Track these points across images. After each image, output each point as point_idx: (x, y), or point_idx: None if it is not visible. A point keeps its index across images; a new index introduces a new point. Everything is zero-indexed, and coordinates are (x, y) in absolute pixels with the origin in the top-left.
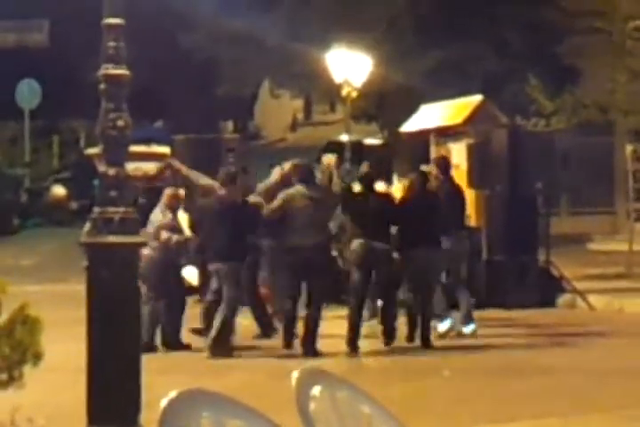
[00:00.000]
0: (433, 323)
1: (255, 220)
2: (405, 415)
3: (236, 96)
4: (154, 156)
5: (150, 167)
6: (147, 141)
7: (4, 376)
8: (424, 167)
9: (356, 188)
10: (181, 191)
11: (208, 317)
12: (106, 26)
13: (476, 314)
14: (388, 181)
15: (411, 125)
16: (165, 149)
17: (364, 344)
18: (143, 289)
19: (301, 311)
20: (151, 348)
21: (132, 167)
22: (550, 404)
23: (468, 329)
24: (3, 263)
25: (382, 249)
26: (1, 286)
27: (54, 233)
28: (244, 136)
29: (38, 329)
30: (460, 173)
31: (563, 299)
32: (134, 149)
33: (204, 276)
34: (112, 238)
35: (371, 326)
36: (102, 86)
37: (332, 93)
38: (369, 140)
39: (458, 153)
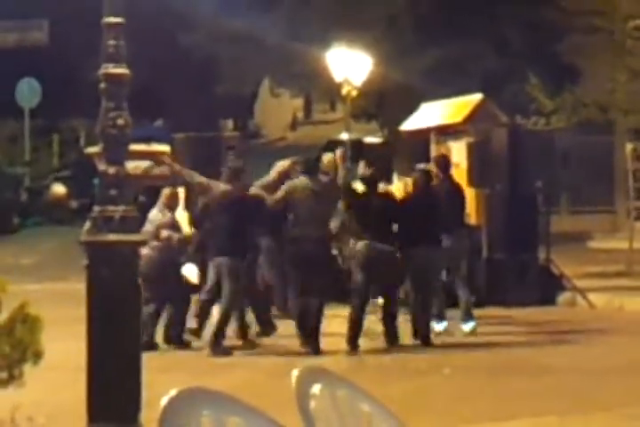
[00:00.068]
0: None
1: (259, 215)
2: (405, 413)
3: (236, 95)
4: (154, 154)
5: (144, 164)
6: (147, 140)
7: (5, 375)
8: (421, 166)
9: (359, 188)
10: (180, 190)
11: (202, 316)
12: (106, 25)
13: (477, 312)
14: (388, 180)
15: (411, 124)
16: (165, 148)
17: (363, 342)
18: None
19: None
20: (151, 346)
21: (132, 166)
22: (550, 402)
23: (467, 327)
24: (3, 262)
25: (387, 251)
26: (1, 284)
27: (54, 232)
28: (244, 135)
29: (38, 328)
30: (460, 172)
31: (563, 297)
32: (134, 147)
33: (204, 275)
34: (112, 237)
35: (369, 326)
36: (102, 85)
37: (331, 92)
38: (369, 139)
39: (458, 152)
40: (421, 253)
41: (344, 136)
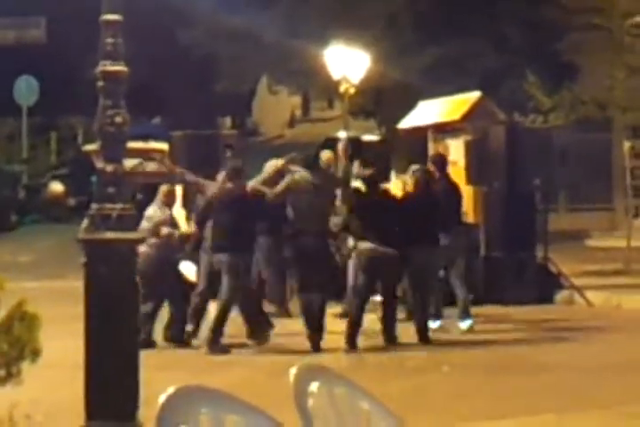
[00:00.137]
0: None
1: (259, 213)
2: (403, 411)
3: (234, 92)
4: (152, 152)
5: (133, 161)
6: (145, 138)
7: (2, 373)
8: (416, 167)
9: (360, 187)
10: (178, 188)
11: (196, 317)
12: (104, 22)
13: (474, 310)
14: (386, 178)
15: (409, 122)
16: (163, 146)
17: (361, 341)
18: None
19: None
20: (149, 344)
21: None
22: (548, 400)
23: (464, 325)
24: (0, 260)
25: (389, 254)
26: None
27: (52, 229)
28: (242, 132)
29: (36, 325)
30: (457, 170)
31: (561, 295)
32: (132, 145)
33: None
34: (110, 235)
35: (367, 325)
36: (100, 83)
37: (329, 90)
38: (367, 137)
39: (456, 149)
40: (420, 253)
41: (342, 134)
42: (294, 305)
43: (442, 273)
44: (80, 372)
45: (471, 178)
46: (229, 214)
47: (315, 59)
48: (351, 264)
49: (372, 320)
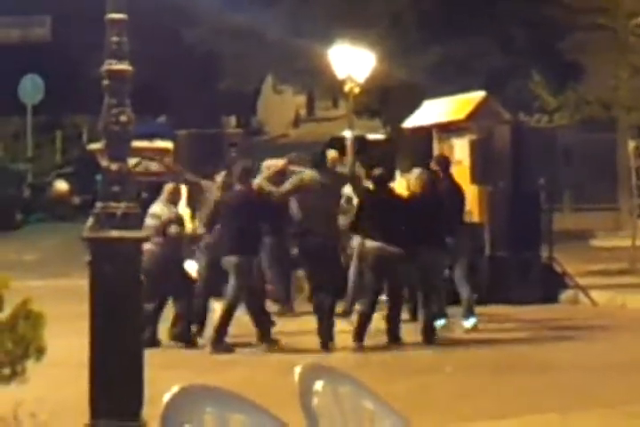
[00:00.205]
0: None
1: (268, 214)
2: (408, 411)
3: (239, 91)
4: (157, 151)
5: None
6: (150, 137)
7: (7, 371)
8: (417, 170)
9: (370, 186)
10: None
11: (199, 316)
12: (109, 21)
13: (479, 310)
14: (391, 177)
15: (413, 121)
16: (168, 144)
17: (366, 340)
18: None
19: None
20: (154, 343)
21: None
22: (552, 399)
23: (468, 323)
24: (5, 258)
25: (396, 253)
26: (4, 281)
27: (57, 228)
28: (246, 131)
29: (41, 324)
30: (462, 169)
31: (565, 295)
32: (137, 144)
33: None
34: (115, 233)
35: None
36: (105, 82)
37: (334, 89)
38: (372, 136)
39: (460, 149)
40: (426, 252)
41: (347, 133)
42: (299, 304)
43: (446, 272)
44: (85, 370)
45: (476, 177)
46: (239, 217)
47: (319, 58)
48: (352, 264)
49: (376, 319)
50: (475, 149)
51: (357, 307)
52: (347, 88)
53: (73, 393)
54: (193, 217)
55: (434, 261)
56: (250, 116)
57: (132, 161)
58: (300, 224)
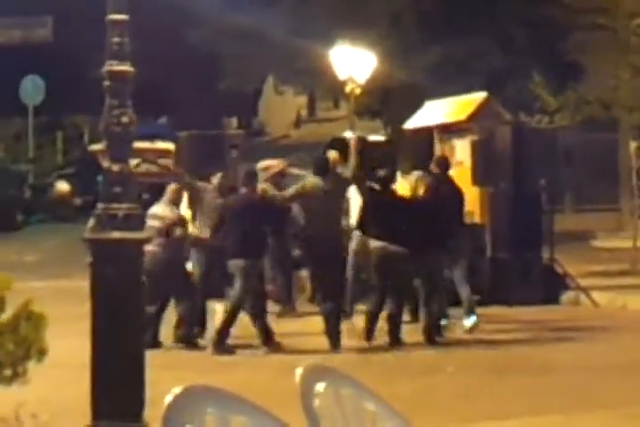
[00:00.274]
0: None
1: (274, 217)
2: (409, 412)
3: (240, 92)
4: (158, 152)
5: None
6: (151, 138)
7: (9, 372)
8: (416, 172)
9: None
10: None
11: (200, 317)
12: (110, 22)
13: (480, 311)
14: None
15: (415, 122)
16: (169, 146)
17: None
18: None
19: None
20: (155, 344)
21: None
22: (554, 401)
23: (469, 322)
24: (6, 259)
25: (399, 253)
26: (5, 282)
27: (58, 229)
28: (248, 133)
29: (43, 325)
30: (463, 170)
31: (566, 296)
32: (138, 145)
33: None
34: (116, 234)
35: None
36: (106, 83)
37: (335, 90)
38: (373, 137)
39: (462, 150)
40: (428, 253)
41: (348, 134)
42: (300, 305)
43: (446, 273)
44: (86, 371)
45: (477, 178)
46: (244, 220)
47: (320, 58)
48: (348, 264)
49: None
50: (476, 149)
51: (364, 307)
52: (348, 89)
53: (74, 394)
54: (193, 219)
55: (436, 261)
56: (251, 117)
57: (132, 162)
58: (304, 229)
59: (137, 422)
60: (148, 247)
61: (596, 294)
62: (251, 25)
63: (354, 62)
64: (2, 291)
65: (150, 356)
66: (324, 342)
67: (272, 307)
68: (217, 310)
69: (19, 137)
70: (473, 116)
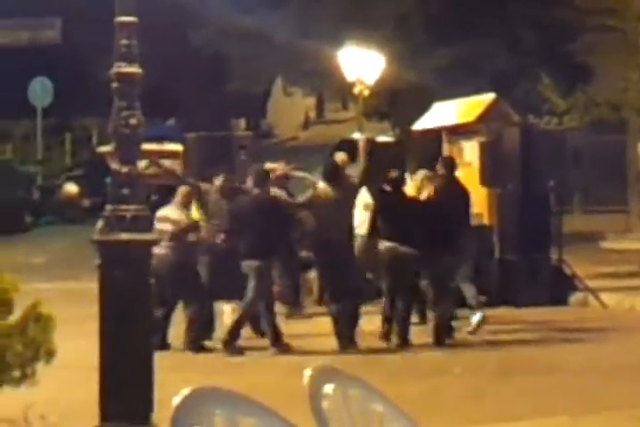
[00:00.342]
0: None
1: (287, 217)
2: (417, 413)
3: (248, 94)
4: (166, 153)
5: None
6: (159, 139)
7: (18, 373)
8: (422, 172)
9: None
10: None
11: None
12: (118, 24)
13: (488, 312)
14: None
15: (423, 123)
16: (178, 147)
17: (372, 342)
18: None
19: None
20: (164, 346)
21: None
22: (561, 402)
23: (475, 318)
24: (14, 261)
25: (409, 254)
26: (13, 283)
27: (66, 231)
28: (256, 134)
29: (51, 327)
30: (472, 171)
31: (575, 297)
32: (147, 146)
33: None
34: (124, 236)
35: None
36: (115, 85)
37: (344, 91)
38: (381, 138)
39: (470, 151)
40: (439, 255)
41: (357, 135)
42: (308, 306)
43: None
44: (95, 373)
45: (485, 180)
46: (258, 222)
47: (328, 60)
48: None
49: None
50: (484, 151)
51: (369, 308)
52: (356, 90)
53: (83, 396)
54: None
55: (446, 263)
56: (259, 119)
57: (141, 164)
58: (315, 236)
59: (145, 423)
60: (161, 250)
61: (604, 296)
62: (259, 27)
63: (362, 64)
64: (10, 293)
65: (158, 357)
66: (332, 343)
67: (280, 308)
68: (225, 311)
69: (27, 138)
70: (481, 118)
